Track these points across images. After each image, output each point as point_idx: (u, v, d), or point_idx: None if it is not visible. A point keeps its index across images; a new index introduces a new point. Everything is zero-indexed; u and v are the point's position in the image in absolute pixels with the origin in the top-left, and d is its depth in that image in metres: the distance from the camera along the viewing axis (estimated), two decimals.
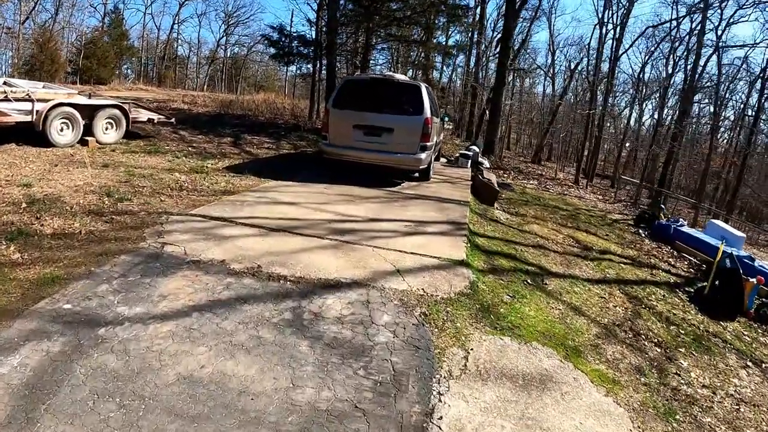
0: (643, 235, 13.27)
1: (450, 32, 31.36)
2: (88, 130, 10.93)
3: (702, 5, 31.72)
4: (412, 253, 5.97)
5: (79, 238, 5.59)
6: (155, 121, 12.60)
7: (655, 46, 41.96)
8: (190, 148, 12.27)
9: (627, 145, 48.46)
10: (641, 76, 44.94)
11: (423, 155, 10.17)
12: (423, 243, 6.45)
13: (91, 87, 34.30)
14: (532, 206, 13.29)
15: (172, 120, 13.20)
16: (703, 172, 33.34)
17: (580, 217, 13.74)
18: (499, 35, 31.75)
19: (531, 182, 20.63)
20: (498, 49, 23.61)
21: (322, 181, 9.91)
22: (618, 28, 35.82)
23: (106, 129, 11.26)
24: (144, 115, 12.62)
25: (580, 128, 47.95)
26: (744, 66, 37.64)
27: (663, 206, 19.32)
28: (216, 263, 5.05)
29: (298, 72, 26.71)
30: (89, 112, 10.88)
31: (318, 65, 22.97)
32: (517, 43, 32.83)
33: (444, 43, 27.68)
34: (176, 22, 58.95)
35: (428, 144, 10.26)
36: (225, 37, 62.37)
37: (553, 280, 6.76)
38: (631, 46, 41.04)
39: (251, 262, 5.13)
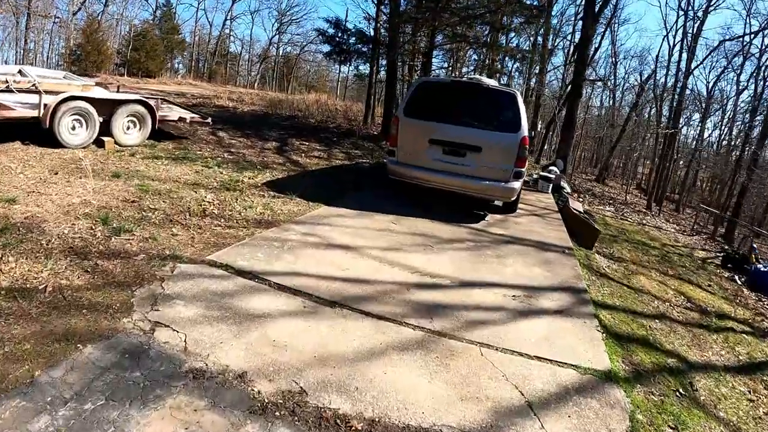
0: (740, 282, 11.52)
1: (510, 37, 28.98)
2: (108, 129, 9.14)
3: None
4: (537, 357, 3.86)
5: (42, 299, 3.70)
6: (188, 121, 10.73)
7: (728, 61, 39.15)
8: (226, 155, 10.39)
9: (681, 163, 45.48)
10: (712, 92, 41.92)
11: (516, 184, 8.10)
12: (546, 333, 4.33)
13: (138, 79, 33.34)
14: (623, 244, 11.34)
15: (209, 119, 11.32)
16: None
17: (673, 259, 11.89)
18: (572, 43, 29.38)
19: (607, 208, 18.38)
20: (575, 57, 21.22)
21: (387, 209, 7.86)
22: (689, 39, 33.54)
23: (128, 128, 9.45)
24: (175, 113, 10.78)
25: (643, 145, 45.22)
26: None
27: (755, 246, 17.01)
28: (232, 379, 3.02)
29: (355, 72, 24.76)
30: (108, 108, 9.09)
31: (375, 65, 20.99)
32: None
33: (518, 46, 25.24)
34: (228, 18, 57.85)
35: (523, 170, 8.17)
36: (277, 36, 61.12)
37: (699, 379, 4.85)
38: (704, 59, 38.00)
39: (290, 380, 3.07)
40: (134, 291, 3.96)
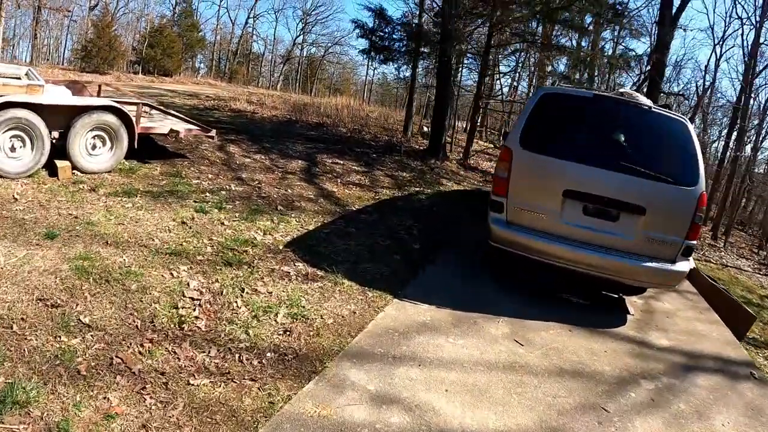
0: None
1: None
2: (65, 148, 6.25)
3: None
4: None
5: None
6: (182, 134, 7.61)
7: None
8: (234, 184, 7.34)
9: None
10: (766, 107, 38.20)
11: (686, 265, 5.09)
12: None
13: (153, 78, 30.99)
14: None
15: (212, 132, 8.22)
16: None
17: None
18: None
19: None
20: (648, 66, 17.97)
21: (491, 303, 4.86)
22: (746, 48, 30.58)
23: (93, 147, 6.49)
24: (166, 124, 7.69)
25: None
26: None
27: None
28: None
29: (395, 74, 21.58)
30: (64, 119, 6.18)
31: (416, 66, 17.86)
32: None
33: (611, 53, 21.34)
34: (251, 16, 55.07)
35: (695, 243, 5.25)
36: (302, 36, 58.28)
37: None
38: (763, 68, 34.16)
39: None
40: None
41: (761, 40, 28.78)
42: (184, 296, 3.78)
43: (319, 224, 6.31)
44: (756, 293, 12.04)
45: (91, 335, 3.14)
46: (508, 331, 4.31)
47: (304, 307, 3.98)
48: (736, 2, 34.80)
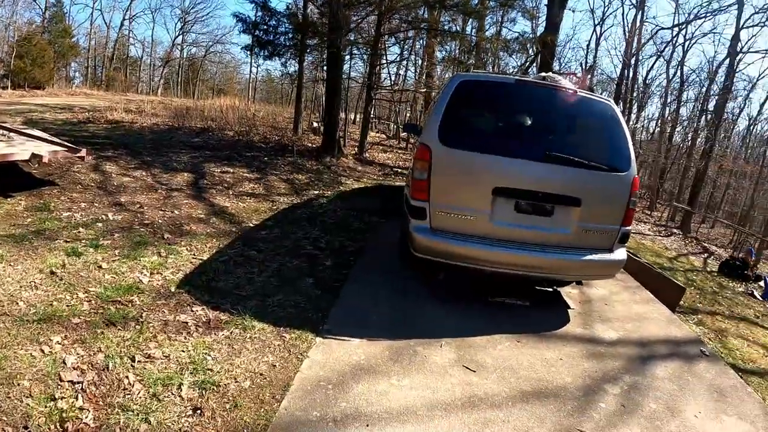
0: (760, 298, 9.60)
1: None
2: None
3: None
4: None
5: None
6: (45, 159, 6.52)
7: (659, 51, 38.02)
8: (112, 213, 6.40)
9: None
10: (646, 80, 40.60)
11: (623, 253, 5.00)
12: None
13: (24, 92, 28.87)
14: None
15: (82, 152, 7.12)
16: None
17: (698, 283, 9.63)
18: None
19: None
20: (537, 48, 18.15)
21: (425, 321, 4.47)
22: (626, 27, 32.43)
23: None
24: (28, 147, 6.57)
25: None
26: None
27: (753, 249, 14.91)
28: None
29: (282, 70, 20.63)
30: None
31: (303, 60, 17.14)
32: None
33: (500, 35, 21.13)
34: (127, 18, 52.06)
35: (630, 229, 5.06)
36: (181, 36, 55.86)
37: None
38: (643, 45, 36.16)
39: None
40: None
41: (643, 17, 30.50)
42: (61, 380, 2.99)
43: (215, 251, 5.59)
44: (664, 256, 12.27)
45: None
46: (454, 357, 3.85)
47: (211, 369, 3.28)
48: None
